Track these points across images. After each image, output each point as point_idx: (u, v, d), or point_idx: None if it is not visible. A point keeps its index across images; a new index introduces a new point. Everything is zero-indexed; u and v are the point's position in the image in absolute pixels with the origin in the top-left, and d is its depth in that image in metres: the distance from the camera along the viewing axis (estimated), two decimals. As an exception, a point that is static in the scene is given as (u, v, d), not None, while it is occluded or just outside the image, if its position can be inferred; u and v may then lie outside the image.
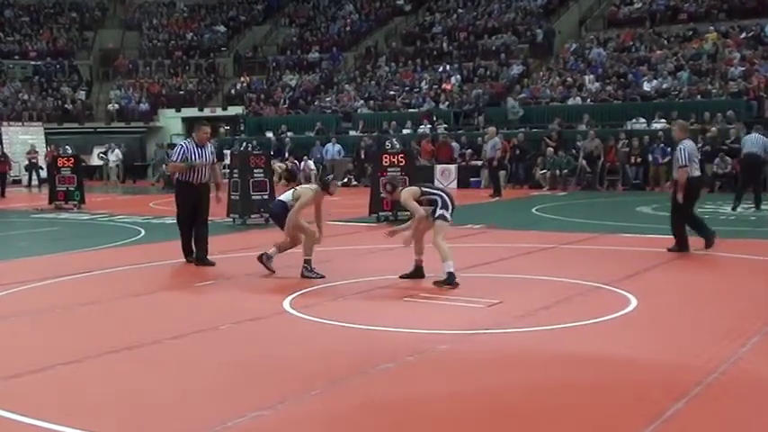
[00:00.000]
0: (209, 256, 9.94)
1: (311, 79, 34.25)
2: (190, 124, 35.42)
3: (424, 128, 26.92)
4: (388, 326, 6.54)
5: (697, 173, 10.20)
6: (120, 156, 29.67)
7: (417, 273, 8.34)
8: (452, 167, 24.47)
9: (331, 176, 8.86)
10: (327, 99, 32.01)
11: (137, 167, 31.87)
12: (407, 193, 8.21)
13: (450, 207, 8.13)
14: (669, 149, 21.49)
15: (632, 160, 22.04)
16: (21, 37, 39.63)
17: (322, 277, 8.58)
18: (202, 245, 9.96)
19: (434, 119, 27.37)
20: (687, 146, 10.11)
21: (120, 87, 37.43)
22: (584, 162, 22.20)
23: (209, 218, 10.33)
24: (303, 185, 9.51)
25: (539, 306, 7.10)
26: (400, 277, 8.34)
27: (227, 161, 22.33)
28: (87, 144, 30.87)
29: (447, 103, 28.51)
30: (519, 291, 7.94)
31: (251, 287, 8.39)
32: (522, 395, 4.83)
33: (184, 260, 10.04)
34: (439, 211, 8.08)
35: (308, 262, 8.72)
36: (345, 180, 25.79)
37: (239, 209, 14.57)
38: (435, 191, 8.35)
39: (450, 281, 7.86)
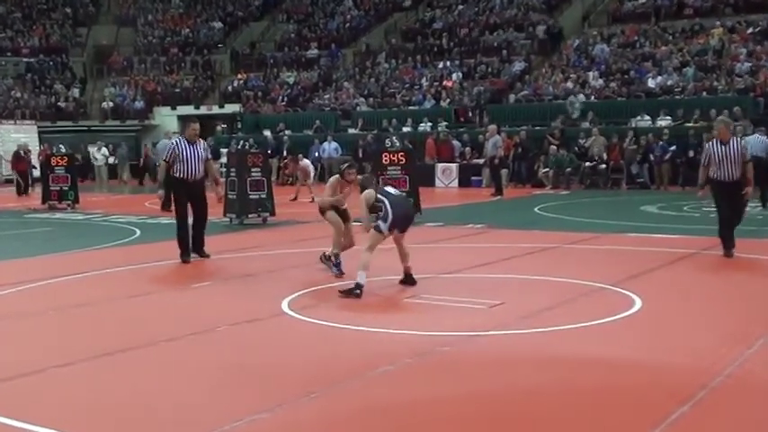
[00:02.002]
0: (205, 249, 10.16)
1: (309, 76, 34.08)
2: (186, 122, 35.35)
3: (425, 126, 26.81)
4: (387, 328, 6.47)
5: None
6: (107, 153, 29.20)
7: (407, 280, 8.04)
8: (453, 166, 24.33)
9: (346, 165, 8.85)
10: (326, 96, 31.83)
11: (133, 166, 31.63)
12: (363, 197, 7.98)
13: (391, 217, 7.66)
14: (672, 147, 21.41)
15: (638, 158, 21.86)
16: (13, 33, 39.38)
17: (341, 274, 8.52)
18: (199, 240, 10.13)
19: (469, 114, 26.86)
20: (739, 143, 9.86)
21: (114, 85, 37.17)
22: (586, 164, 22.04)
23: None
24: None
25: (541, 307, 7.01)
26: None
27: (224, 160, 22.19)
28: (81, 143, 30.64)
29: (448, 100, 28.37)
30: (521, 291, 7.83)
31: (248, 288, 8.29)
32: (525, 398, 4.76)
33: (180, 260, 9.91)
34: (376, 222, 7.79)
35: (335, 256, 8.72)
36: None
37: (236, 208, 14.36)
38: (384, 199, 7.81)
39: (352, 292, 7.46)
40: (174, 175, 9.95)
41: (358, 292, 7.46)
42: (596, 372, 5.19)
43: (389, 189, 8.08)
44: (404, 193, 8.02)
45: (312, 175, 20.45)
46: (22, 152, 24.90)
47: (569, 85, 26.37)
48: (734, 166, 9.64)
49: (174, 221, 10.18)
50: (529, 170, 23.34)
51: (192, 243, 10.06)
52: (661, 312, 6.85)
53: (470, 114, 26.73)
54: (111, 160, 29.64)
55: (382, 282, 8.10)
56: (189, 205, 10.06)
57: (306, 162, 20.22)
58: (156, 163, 25.65)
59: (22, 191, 23.72)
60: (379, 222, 7.75)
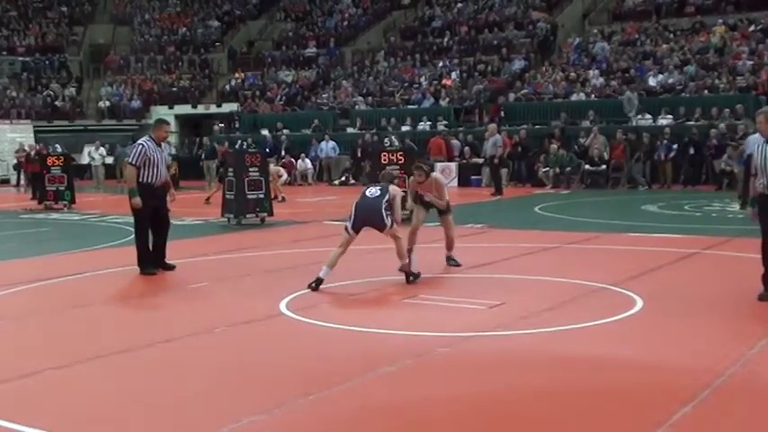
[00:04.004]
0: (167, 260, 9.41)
1: (308, 75, 34.02)
2: (184, 121, 35.23)
3: (424, 125, 26.74)
4: (387, 328, 6.42)
5: None
6: (105, 153, 28.69)
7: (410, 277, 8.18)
8: (452, 165, 24.23)
9: (414, 167, 9.10)
10: (324, 95, 31.78)
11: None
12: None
13: (352, 217, 8.07)
14: (674, 146, 21.33)
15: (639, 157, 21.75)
16: (9, 32, 39.22)
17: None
18: (162, 248, 9.41)
19: (502, 113, 25.74)
20: None
21: (111, 84, 37.01)
22: (587, 166, 21.96)
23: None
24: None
25: (542, 307, 6.98)
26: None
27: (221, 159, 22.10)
28: (78, 142, 30.51)
29: (447, 99, 28.29)
30: (521, 292, 7.78)
31: (246, 289, 8.24)
32: (525, 399, 4.73)
33: (142, 273, 9.15)
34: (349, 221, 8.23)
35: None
36: (343, 178, 25.63)
37: (234, 208, 14.26)
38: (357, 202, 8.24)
39: (311, 284, 7.83)
40: (139, 179, 9.23)
41: (314, 285, 7.79)
42: (597, 372, 5.15)
43: (368, 190, 8.30)
44: (377, 196, 8.15)
45: (284, 179, 20.63)
46: (32, 153, 23.93)
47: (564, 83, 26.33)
48: None
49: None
50: (529, 169, 23.25)
51: (155, 253, 9.34)
52: (662, 312, 6.79)
53: (503, 114, 25.87)
54: (107, 160, 29.48)
55: (382, 282, 8.05)
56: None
57: (275, 168, 20.27)
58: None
59: (35, 195, 20.77)
60: (345, 222, 8.18)
